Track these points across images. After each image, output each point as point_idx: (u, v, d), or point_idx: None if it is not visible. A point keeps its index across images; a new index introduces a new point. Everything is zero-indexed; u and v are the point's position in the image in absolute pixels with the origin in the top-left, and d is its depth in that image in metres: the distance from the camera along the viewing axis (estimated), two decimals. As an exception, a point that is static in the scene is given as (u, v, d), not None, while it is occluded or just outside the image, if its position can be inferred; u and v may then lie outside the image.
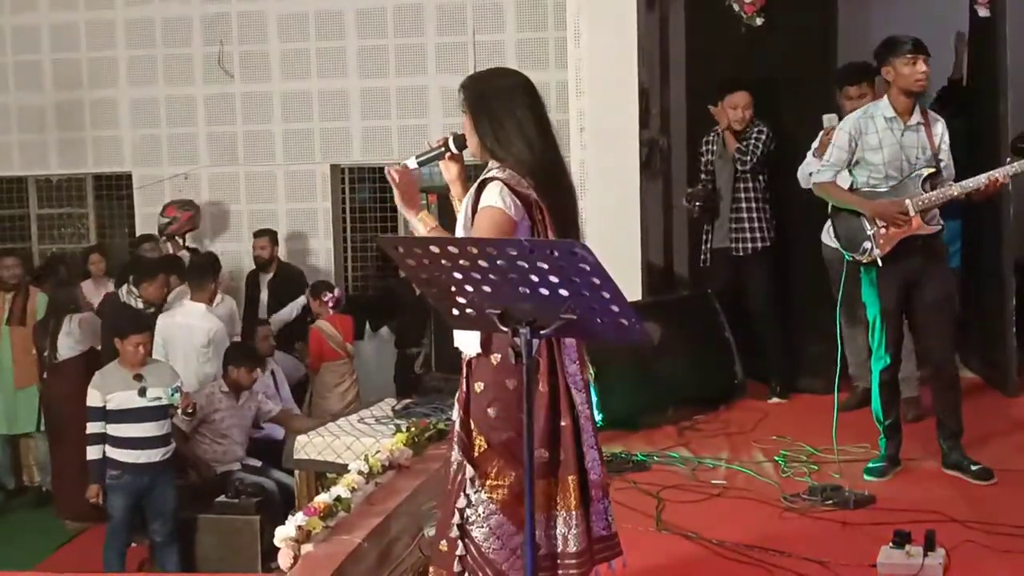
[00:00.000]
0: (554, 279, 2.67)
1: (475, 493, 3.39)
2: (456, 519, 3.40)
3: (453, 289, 2.86)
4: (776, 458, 5.71)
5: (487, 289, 2.79)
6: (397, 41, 9.94)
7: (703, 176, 7.13)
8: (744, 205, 6.92)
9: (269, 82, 10.14)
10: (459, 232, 3.44)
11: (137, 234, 10.28)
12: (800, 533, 4.66)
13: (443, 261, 2.79)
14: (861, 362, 6.58)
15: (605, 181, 7.26)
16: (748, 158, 6.83)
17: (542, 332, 2.79)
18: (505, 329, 2.79)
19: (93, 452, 6.84)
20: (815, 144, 6.40)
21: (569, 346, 3.38)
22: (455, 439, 3.44)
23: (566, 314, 2.73)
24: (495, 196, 3.32)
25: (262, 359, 7.98)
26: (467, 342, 3.40)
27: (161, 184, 10.30)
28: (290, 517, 4.45)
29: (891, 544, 4.25)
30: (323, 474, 5.99)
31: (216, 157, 10.25)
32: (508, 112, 3.42)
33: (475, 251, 2.73)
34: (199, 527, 7.02)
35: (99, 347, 8.30)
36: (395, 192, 3.47)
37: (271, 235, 9.53)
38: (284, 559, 4.29)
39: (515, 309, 2.79)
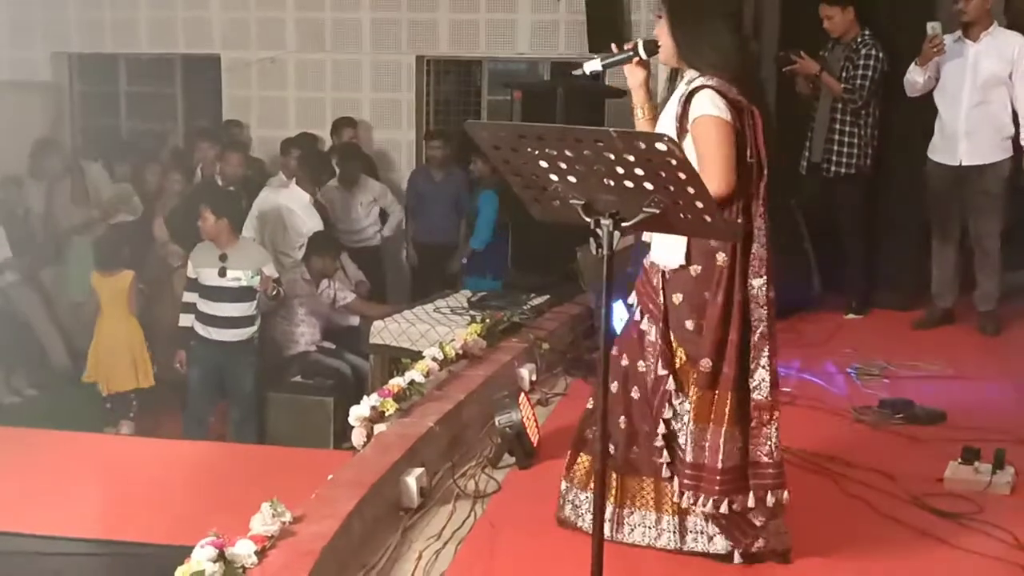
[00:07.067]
0: (640, 172, 2.66)
1: (680, 404, 3.44)
2: (662, 429, 3.45)
3: (537, 178, 2.86)
4: (848, 370, 5.69)
5: (572, 179, 2.78)
6: (489, -68, 9.83)
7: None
8: (839, 127, 6.70)
9: (359, -32, 10.09)
10: None
11: (224, 116, 10.39)
12: (868, 445, 4.66)
13: (529, 149, 2.79)
14: (947, 280, 6.49)
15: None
16: (857, 96, 6.57)
17: (624, 225, 2.79)
18: (588, 220, 2.79)
19: (183, 320, 7.07)
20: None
21: (758, 258, 3.36)
22: (654, 351, 3.45)
23: (649, 208, 2.73)
24: (709, 104, 3.30)
25: (341, 246, 8.08)
26: (669, 255, 3.40)
27: (248, 68, 10.36)
28: (365, 398, 4.54)
29: (959, 460, 4.24)
30: (397, 359, 6.09)
31: (304, 43, 10.26)
32: (710, 19, 3.39)
33: (562, 140, 2.73)
34: (273, 405, 7.19)
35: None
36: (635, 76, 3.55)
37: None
38: (357, 437, 4.38)
39: (599, 201, 2.78)
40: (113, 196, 9.12)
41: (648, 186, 2.68)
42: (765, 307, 3.36)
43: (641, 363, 3.51)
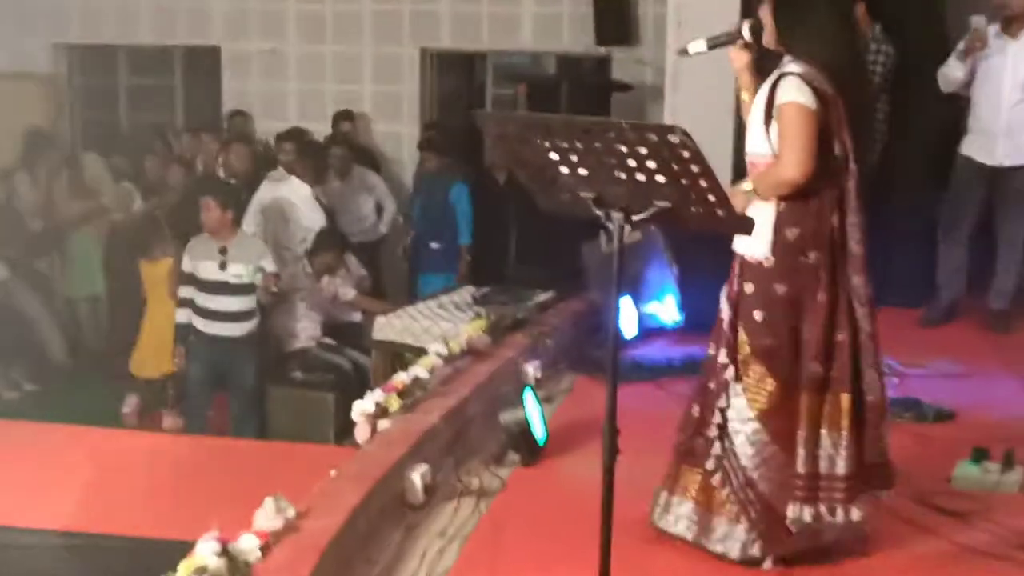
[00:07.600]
0: (652, 165, 2.62)
1: (735, 396, 3.39)
2: (717, 419, 3.40)
3: (545, 169, 2.82)
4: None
5: (583, 172, 2.75)
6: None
7: None
8: None
9: (360, -40, 10.04)
10: (751, 125, 3.39)
11: (224, 109, 10.33)
12: (876, 443, 4.60)
13: (539, 140, 2.75)
14: (952, 272, 6.44)
15: (698, 75, 7.10)
16: None
17: (634, 218, 2.75)
18: (599, 213, 2.74)
19: (180, 315, 6.98)
20: (960, 46, 6.10)
21: (855, 256, 3.31)
22: (723, 338, 3.42)
23: (660, 201, 2.68)
24: (795, 91, 3.26)
25: (347, 243, 8.03)
26: (750, 245, 3.34)
27: (248, 59, 10.31)
28: (368, 394, 4.50)
29: (968, 459, 4.21)
30: (400, 355, 6.05)
31: (304, 35, 10.21)
32: (812, 5, 3.35)
33: (571, 132, 2.69)
34: (274, 401, 7.13)
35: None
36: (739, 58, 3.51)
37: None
38: (361, 433, 4.34)
39: (609, 194, 2.74)
40: (113, 196, 9.08)
41: (660, 179, 2.64)
42: (866, 305, 3.32)
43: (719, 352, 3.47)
